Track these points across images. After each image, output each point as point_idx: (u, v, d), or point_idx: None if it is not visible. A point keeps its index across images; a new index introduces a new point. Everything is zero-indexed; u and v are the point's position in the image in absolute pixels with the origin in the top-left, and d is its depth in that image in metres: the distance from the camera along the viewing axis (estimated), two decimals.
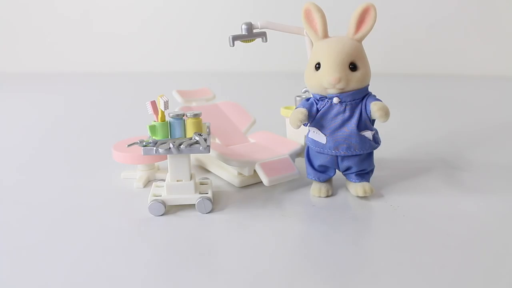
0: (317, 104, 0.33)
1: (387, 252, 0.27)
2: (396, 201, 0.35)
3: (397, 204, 0.34)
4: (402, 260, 0.26)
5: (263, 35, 0.36)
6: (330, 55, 0.31)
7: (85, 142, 0.52)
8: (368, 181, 0.35)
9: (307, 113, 0.32)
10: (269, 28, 0.35)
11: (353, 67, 0.31)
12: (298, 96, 0.40)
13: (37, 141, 0.53)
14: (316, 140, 0.34)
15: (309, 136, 0.35)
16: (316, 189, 0.35)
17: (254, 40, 0.36)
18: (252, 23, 0.35)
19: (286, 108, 0.42)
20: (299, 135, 0.40)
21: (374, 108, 0.32)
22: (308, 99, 0.34)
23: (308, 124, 0.34)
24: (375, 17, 0.32)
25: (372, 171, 0.36)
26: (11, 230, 0.30)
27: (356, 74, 0.31)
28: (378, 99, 0.33)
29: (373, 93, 0.33)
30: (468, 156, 0.46)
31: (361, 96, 0.32)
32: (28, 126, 0.61)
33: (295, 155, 0.39)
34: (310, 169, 0.36)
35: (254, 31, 0.35)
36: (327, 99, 0.32)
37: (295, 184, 0.38)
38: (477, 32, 1.08)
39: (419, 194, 0.36)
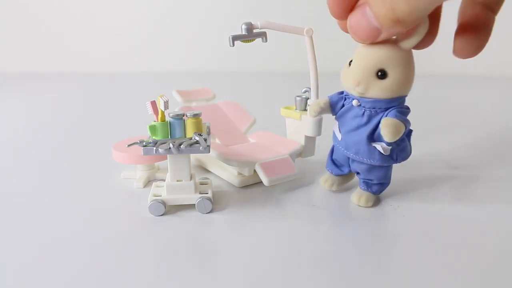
0: (344, 100, 0.32)
1: (387, 252, 0.27)
2: (396, 201, 0.35)
3: (397, 204, 0.34)
4: (402, 260, 0.26)
5: (263, 35, 0.36)
6: (359, 56, 0.30)
7: (85, 142, 0.52)
8: (373, 193, 0.34)
9: (328, 103, 0.33)
10: (269, 28, 0.35)
11: (381, 74, 0.29)
12: (298, 96, 0.40)
13: (37, 141, 0.53)
14: (335, 134, 0.34)
15: (334, 128, 0.34)
16: (324, 179, 0.36)
17: (254, 40, 0.36)
18: (252, 23, 0.35)
19: (286, 108, 0.42)
20: (299, 135, 0.40)
21: (382, 124, 0.29)
22: (342, 92, 0.33)
23: (335, 116, 0.34)
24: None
25: (382, 184, 0.34)
26: (10, 230, 0.30)
27: (383, 82, 0.29)
28: (400, 116, 0.29)
29: (408, 108, 0.31)
30: (469, 156, 0.46)
31: (385, 106, 0.30)
32: (27, 126, 0.61)
33: (295, 155, 0.39)
34: (329, 160, 0.36)
35: (254, 31, 0.35)
36: (350, 99, 0.31)
37: (295, 184, 0.38)
38: None
39: (420, 194, 0.36)
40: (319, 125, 0.38)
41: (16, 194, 0.36)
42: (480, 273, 0.25)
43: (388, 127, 0.29)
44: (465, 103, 0.78)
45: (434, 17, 0.30)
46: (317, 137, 0.40)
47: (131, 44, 1.19)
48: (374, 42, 0.28)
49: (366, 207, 0.34)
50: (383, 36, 0.27)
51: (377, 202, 0.34)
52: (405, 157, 0.33)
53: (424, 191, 0.37)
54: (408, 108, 0.31)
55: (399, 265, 0.26)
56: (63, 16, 1.17)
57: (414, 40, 0.28)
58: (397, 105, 0.30)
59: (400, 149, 0.32)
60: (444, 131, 0.57)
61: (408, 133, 0.33)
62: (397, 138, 0.29)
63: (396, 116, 0.29)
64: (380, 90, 0.29)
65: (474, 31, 0.29)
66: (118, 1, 1.17)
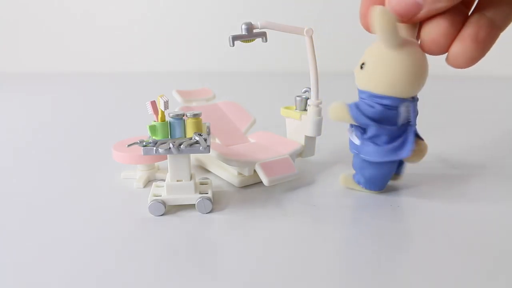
0: None
1: (387, 251, 0.27)
2: (396, 201, 0.35)
3: (397, 203, 0.34)
4: (402, 260, 0.26)
5: (263, 35, 0.36)
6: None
7: (85, 142, 0.52)
8: (355, 180, 0.36)
9: None
10: (269, 28, 0.35)
11: (362, 66, 0.32)
12: (298, 96, 0.40)
13: (37, 141, 0.53)
14: None
15: None
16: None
17: (254, 40, 0.36)
18: (252, 23, 0.35)
19: (286, 108, 0.42)
20: (299, 135, 0.40)
21: None
22: None
23: None
24: (378, 24, 0.27)
25: (360, 176, 0.35)
26: (10, 230, 0.30)
27: (361, 72, 0.32)
28: (352, 107, 0.32)
29: (374, 107, 0.31)
30: (469, 156, 0.46)
31: (359, 95, 0.32)
32: (27, 126, 0.61)
33: (295, 155, 0.39)
34: None
35: (254, 31, 0.35)
36: None
37: (295, 184, 0.38)
38: None
39: (419, 194, 0.36)
40: (319, 125, 0.38)
41: (16, 194, 0.36)
42: (480, 273, 0.25)
43: (331, 106, 0.32)
44: (465, 103, 0.78)
45: (460, 22, 0.28)
46: (317, 137, 0.40)
47: (131, 44, 1.19)
48: (412, 20, 0.28)
49: (341, 184, 0.37)
50: (423, 13, 0.26)
51: (377, 201, 0.34)
52: (367, 155, 0.33)
53: (424, 190, 0.37)
54: (374, 107, 0.31)
55: (399, 265, 0.26)
56: (63, 16, 1.18)
57: (381, 39, 0.29)
58: (364, 98, 0.32)
59: (365, 145, 0.33)
60: (444, 131, 0.57)
61: (380, 138, 0.32)
62: (333, 119, 0.32)
63: (349, 105, 0.32)
64: (358, 79, 0.32)
65: (472, 43, 0.28)
66: (118, 1, 1.17)
